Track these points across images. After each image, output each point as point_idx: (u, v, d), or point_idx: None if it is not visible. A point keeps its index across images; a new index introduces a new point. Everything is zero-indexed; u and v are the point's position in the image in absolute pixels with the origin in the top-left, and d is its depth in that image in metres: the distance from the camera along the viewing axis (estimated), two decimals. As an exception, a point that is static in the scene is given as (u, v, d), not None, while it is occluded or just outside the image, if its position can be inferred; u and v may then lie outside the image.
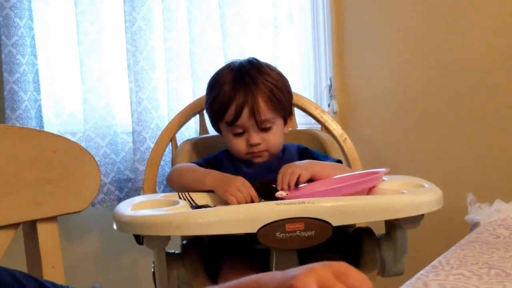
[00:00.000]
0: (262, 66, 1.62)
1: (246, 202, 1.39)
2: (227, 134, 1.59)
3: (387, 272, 1.45)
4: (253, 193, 1.42)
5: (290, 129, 1.71)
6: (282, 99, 1.58)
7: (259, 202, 1.40)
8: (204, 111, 1.85)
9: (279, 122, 1.59)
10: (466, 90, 1.93)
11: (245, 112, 1.53)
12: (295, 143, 1.69)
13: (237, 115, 1.53)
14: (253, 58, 1.64)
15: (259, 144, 1.56)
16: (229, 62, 1.67)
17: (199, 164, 1.61)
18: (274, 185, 1.44)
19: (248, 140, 1.56)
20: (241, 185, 1.43)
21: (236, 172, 1.56)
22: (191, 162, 1.65)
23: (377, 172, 1.38)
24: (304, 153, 1.64)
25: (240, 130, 1.56)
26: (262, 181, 1.46)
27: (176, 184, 1.58)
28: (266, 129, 1.56)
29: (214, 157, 1.66)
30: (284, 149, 1.65)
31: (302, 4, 2.24)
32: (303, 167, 1.48)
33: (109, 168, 2.01)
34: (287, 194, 1.39)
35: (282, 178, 1.45)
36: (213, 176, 1.51)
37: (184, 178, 1.57)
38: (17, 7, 1.89)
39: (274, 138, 1.57)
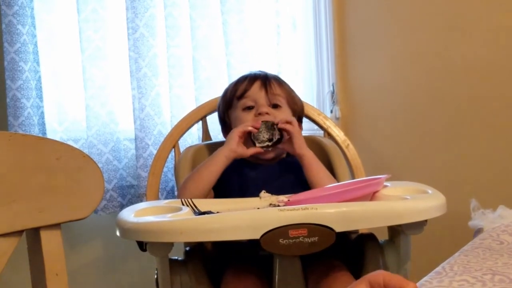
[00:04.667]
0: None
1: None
2: (236, 112, 1.61)
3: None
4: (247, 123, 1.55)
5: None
6: (294, 95, 1.66)
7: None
8: (207, 118, 1.86)
9: (288, 110, 1.62)
10: (470, 96, 1.93)
11: (257, 84, 1.59)
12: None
13: (248, 86, 1.59)
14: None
15: (267, 114, 1.56)
16: None
17: None
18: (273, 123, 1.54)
19: (256, 110, 1.57)
20: (235, 128, 1.55)
21: (240, 175, 1.56)
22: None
23: (378, 178, 1.38)
24: None
25: (250, 103, 1.58)
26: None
27: (193, 188, 1.54)
28: (276, 106, 1.58)
29: None
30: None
31: (305, 11, 2.25)
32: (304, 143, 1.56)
33: (112, 174, 2.01)
34: (288, 200, 1.39)
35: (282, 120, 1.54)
36: (217, 151, 1.56)
37: (201, 177, 1.55)
38: (19, 14, 1.90)
39: (283, 116, 1.58)
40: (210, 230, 1.17)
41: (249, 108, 1.59)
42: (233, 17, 2.02)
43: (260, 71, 1.69)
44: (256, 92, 1.58)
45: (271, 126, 1.54)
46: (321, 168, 1.56)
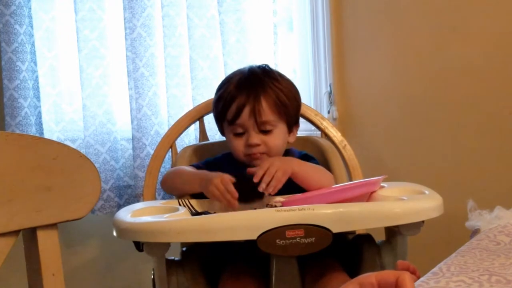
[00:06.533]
0: (273, 72, 1.62)
1: (226, 198, 1.40)
2: (228, 134, 1.59)
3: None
4: (231, 188, 1.41)
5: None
6: (288, 105, 1.57)
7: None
8: (204, 118, 1.86)
9: (281, 126, 1.57)
10: (467, 97, 1.93)
11: (246, 112, 1.53)
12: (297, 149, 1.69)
13: (238, 113, 1.53)
14: (265, 65, 1.64)
15: (257, 145, 1.54)
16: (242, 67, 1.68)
17: (197, 167, 1.61)
18: (253, 182, 1.42)
19: (247, 140, 1.55)
20: (219, 182, 1.42)
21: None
22: (191, 165, 1.64)
23: (375, 179, 1.38)
24: (304, 159, 1.63)
25: (240, 130, 1.55)
26: (238, 177, 1.45)
27: (169, 189, 1.62)
28: (266, 132, 1.55)
29: (215, 159, 1.65)
30: (288, 153, 1.64)
31: (302, 11, 2.25)
32: (284, 164, 1.46)
33: (109, 174, 2.00)
34: (285, 200, 1.38)
35: (259, 172, 1.43)
36: (200, 177, 1.51)
37: (175, 183, 1.59)
38: (17, 14, 1.89)
39: (274, 141, 1.56)
40: (207, 230, 1.17)
41: (240, 134, 1.57)
42: (230, 17, 2.02)
43: (249, 74, 1.59)
44: (246, 120, 1.53)
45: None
46: (314, 172, 1.54)
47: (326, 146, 1.75)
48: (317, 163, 1.63)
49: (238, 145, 1.56)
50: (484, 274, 0.92)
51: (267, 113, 1.53)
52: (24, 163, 0.94)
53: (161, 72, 2.01)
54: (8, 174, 0.93)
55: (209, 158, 1.68)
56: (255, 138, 1.54)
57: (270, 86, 1.56)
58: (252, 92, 1.54)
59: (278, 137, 1.56)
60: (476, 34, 1.90)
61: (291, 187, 1.50)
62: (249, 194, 1.41)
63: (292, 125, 1.61)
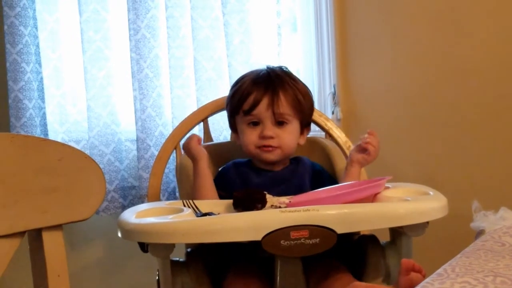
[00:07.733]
0: (291, 73, 1.63)
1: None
2: (242, 125, 1.58)
3: (392, 280, 1.44)
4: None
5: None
6: (303, 103, 1.58)
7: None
8: (209, 119, 1.86)
9: (295, 123, 1.58)
10: (471, 98, 1.93)
11: (264, 102, 1.53)
12: (298, 149, 1.68)
13: (256, 103, 1.53)
14: (283, 66, 1.66)
15: (271, 138, 1.54)
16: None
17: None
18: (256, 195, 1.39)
19: (262, 131, 1.55)
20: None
21: (244, 181, 1.56)
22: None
23: (380, 180, 1.38)
24: (319, 174, 1.63)
25: (256, 120, 1.55)
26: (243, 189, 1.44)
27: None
28: (281, 124, 1.56)
29: (220, 173, 1.65)
30: (299, 161, 1.64)
31: (306, 12, 2.25)
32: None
33: (113, 175, 2.01)
34: (289, 201, 1.38)
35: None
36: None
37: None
38: (21, 16, 1.90)
39: (288, 136, 1.56)
40: (212, 231, 1.17)
41: (254, 124, 1.57)
42: (234, 18, 2.02)
43: (267, 71, 1.60)
44: (263, 111, 1.53)
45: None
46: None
47: (331, 147, 1.75)
48: (329, 176, 1.64)
49: (251, 135, 1.56)
50: (489, 275, 0.92)
51: (285, 105, 1.54)
52: (29, 164, 0.95)
53: (165, 73, 2.02)
54: (13, 176, 0.93)
55: (215, 177, 1.65)
56: (270, 129, 1.54)
57: (288, 83, 1.57)
58: (271, 86, 1.55)
59: (292, 133, 1.57)
60: (480, 34, 1.90)
61: (297, 193, 1.50)
62: (251, 205, 1.40)
63: (304, 126, 1.62)
